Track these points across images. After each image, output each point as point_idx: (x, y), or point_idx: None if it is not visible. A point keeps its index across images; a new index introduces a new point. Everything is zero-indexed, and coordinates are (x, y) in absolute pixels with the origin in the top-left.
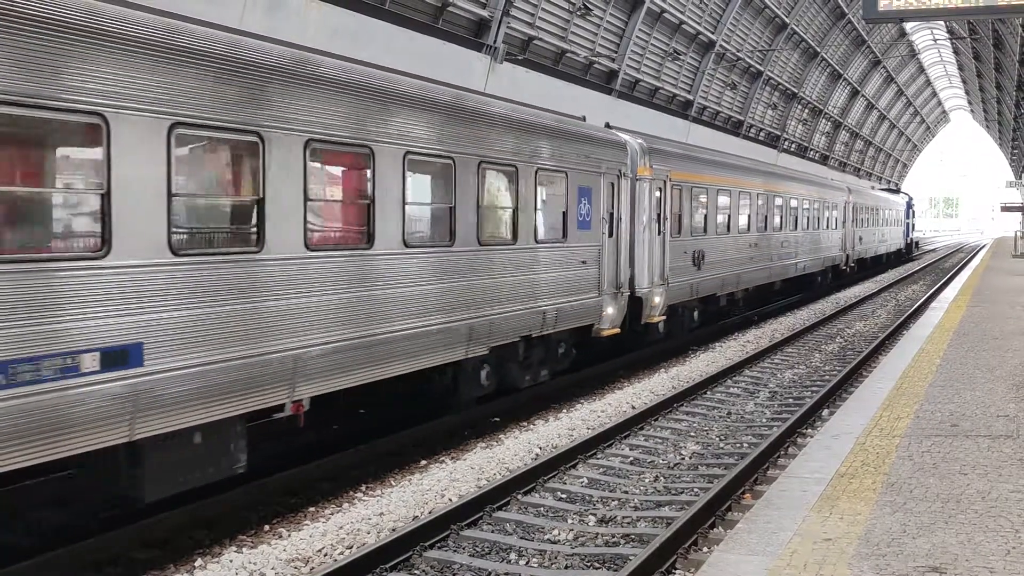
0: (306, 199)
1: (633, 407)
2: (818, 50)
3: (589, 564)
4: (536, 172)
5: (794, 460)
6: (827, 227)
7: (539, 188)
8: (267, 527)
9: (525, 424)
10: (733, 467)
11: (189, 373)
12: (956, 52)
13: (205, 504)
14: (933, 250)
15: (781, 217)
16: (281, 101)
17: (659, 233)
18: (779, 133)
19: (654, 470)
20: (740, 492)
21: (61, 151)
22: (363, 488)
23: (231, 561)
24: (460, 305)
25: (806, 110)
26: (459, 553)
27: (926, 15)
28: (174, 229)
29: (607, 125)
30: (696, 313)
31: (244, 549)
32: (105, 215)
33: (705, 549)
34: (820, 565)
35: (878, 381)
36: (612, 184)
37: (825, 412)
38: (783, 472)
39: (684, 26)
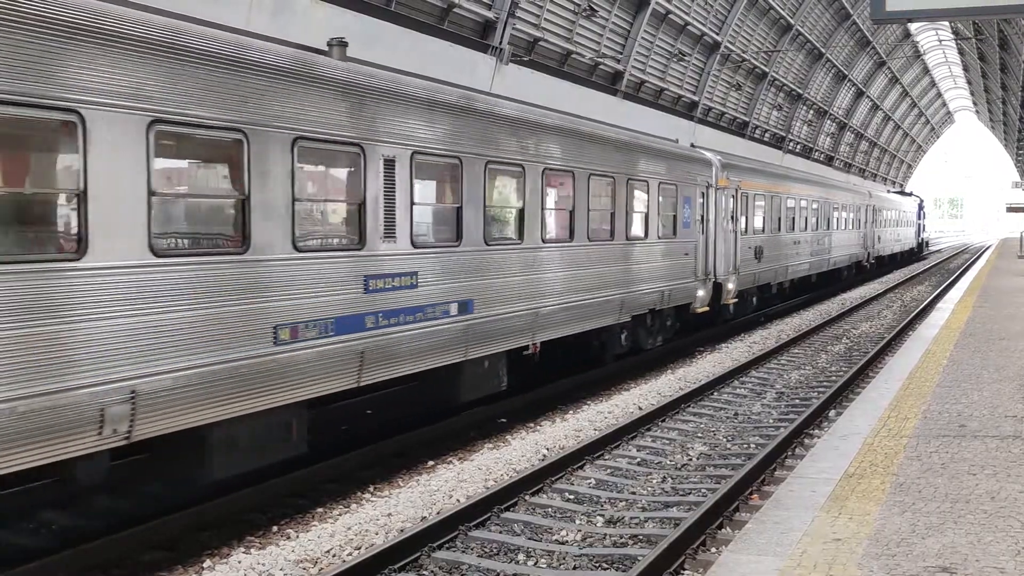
0: (543, 208)
1: (640, 408)
2: (823, 51)
3: (597, 565)
4: (660, 185)
5: (802, 461)
6: (853, 227)
7: (660, 197)
8: (275, 528)
9: (532, 425)
10: (740, 468)
11: (491, 319)
12: (961, 53)
13: (212, 505)
14: (938, 251)
15: (817, 219)
16: (532, 143)
17: (732, 232)
18: (784, 134)
19: (661, 471)
20: (748, 493)
21: (448, 183)
22: (371, 489)
23: (239, 562)
24: (616, 284)
25: (811, 111)
26: (467, 554)
27: (934, 15)
28: (487, 228)
29: (692, 145)
30: (755, 299)
31: (252, 550)
32: (459, 220)
33: (713, 550)
34: (830, 565)
35: (885, 382)
36: (703, 193)
37: (832, 413)
38: (791, 473)
39: (689, 27)
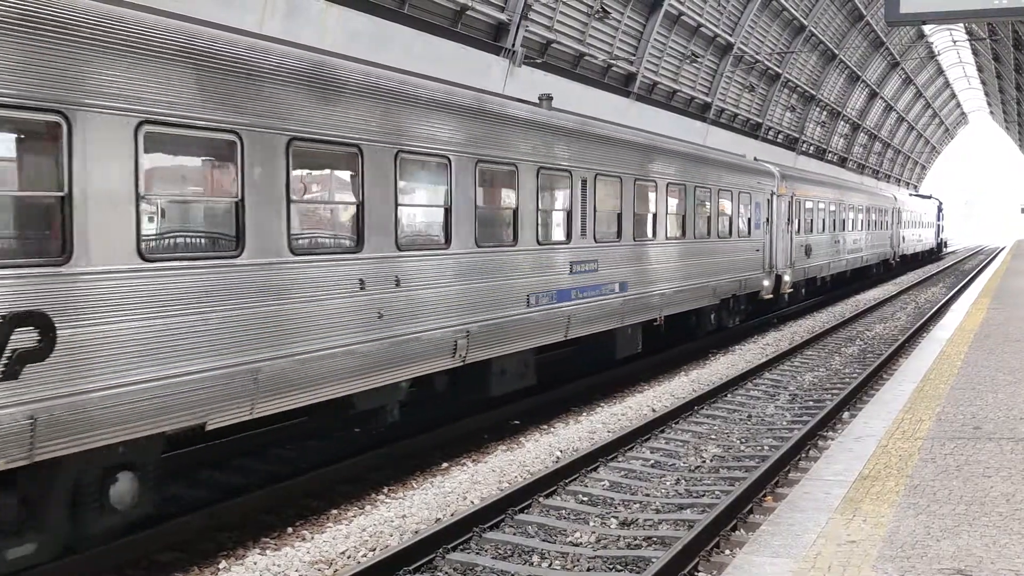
0: (667, 213)
1: (653, 410)
2: (836, 52)
3: (611, 566)
4: (739, 194)
5: (816, 463)
6: (881, 228)
7: (740, 204)
8: (290, 529)
9: (545, 427)
10: (754, 470)
11: (638, 297)
12: (975, 53)
13: (227, 506)
14: (952, 252)
15: (853, 221)
16: (659, 164)
17: (788, 232)
18: (797, 135)
19: (675, 473)
20: (762, 495)
21: (611, 196)
22: (385, 491)
23: (255, 563)
24: (708, 273)
25: (824, 112)
26: (482, 555)
27: (948, 17)
28: (635, 228)
29: (755, 159)
30: (804, 290)
31: (268, 551)
32: (619, 222)
33: (727, 552)
34: (844, 567)
35: (899, 384)
36: (768, 200)
37: (846, 415)
38: (805, 475)
39: (702, 29)
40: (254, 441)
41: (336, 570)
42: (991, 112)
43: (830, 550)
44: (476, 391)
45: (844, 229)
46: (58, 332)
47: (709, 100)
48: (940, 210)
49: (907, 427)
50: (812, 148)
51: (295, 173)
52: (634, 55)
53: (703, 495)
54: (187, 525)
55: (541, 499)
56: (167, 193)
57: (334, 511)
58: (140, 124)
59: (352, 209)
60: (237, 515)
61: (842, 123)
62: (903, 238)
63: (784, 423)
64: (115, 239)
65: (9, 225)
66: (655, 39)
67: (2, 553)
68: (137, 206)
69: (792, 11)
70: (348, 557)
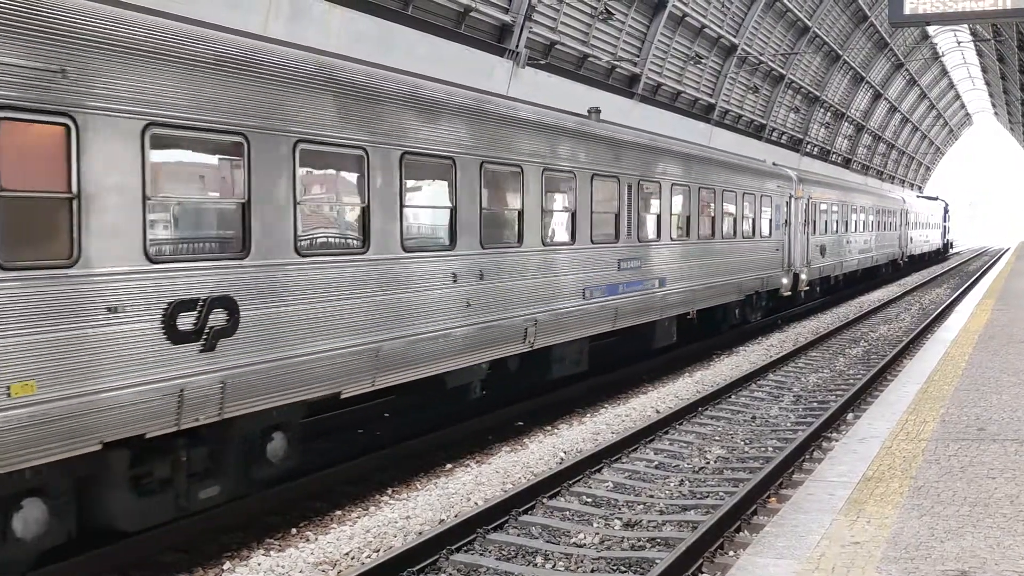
0: (699, 214)
1: (657, 411)
2: (840, 53)
3: (615, 567)
4: (761, 197)
5: (820, 464)
6: (890, 229)
7: (762, 205)
8: (294, 530)
9: (549, 428)
10: (758, 471)
11: (674, 292)
12: (980, 54)
13: (232, 508)
14: (957, 253)
15: (864, 222)
16: (694, 170)
17: (805, 233)
18: (801, 136)
19: (679, 474)
20: (766, 496)
21: (650, 198)
22: (389, 492)
23: (259, 564)
24: (735, 271)
25: (828, 113)
26: (485, 556)
27: (952, 19)
28: (672, 228)
29: (773, 163)
30: (818, 288)
31: (272, 552)
32: (659, 223)
33: (731, 553)
34: (848, 569)
35: (903, 385)
36: (786, 202)
37: (850, 416)
38: (810, 476)
39: (706, 30)
40: None
41: (340, 571)
42: (996, 113)
43: (834, 551)
44: (540, 374)
45: (856, 230)
46: (241, 313)
47: (713, 101)
48: (946, 211)
49: (911, 428)
50: (816, 149)
51: (406, 182)
52: (638, 56)
53: (707, 496)
54: (191, 527)
55: (545, 500)
56: (314, 199)
57: (338, 512)
58: (297, 143)
59: (447, 212)
60: (241, 516)
61: (846, 124)
62: (911, 239)
63: (788, 424)
64: (279, 237)
65: (207, 226)
66: (659, 40)
67: (196, 493)
68: (295, 210)
69: (796, 12)
70: (352, 558)
